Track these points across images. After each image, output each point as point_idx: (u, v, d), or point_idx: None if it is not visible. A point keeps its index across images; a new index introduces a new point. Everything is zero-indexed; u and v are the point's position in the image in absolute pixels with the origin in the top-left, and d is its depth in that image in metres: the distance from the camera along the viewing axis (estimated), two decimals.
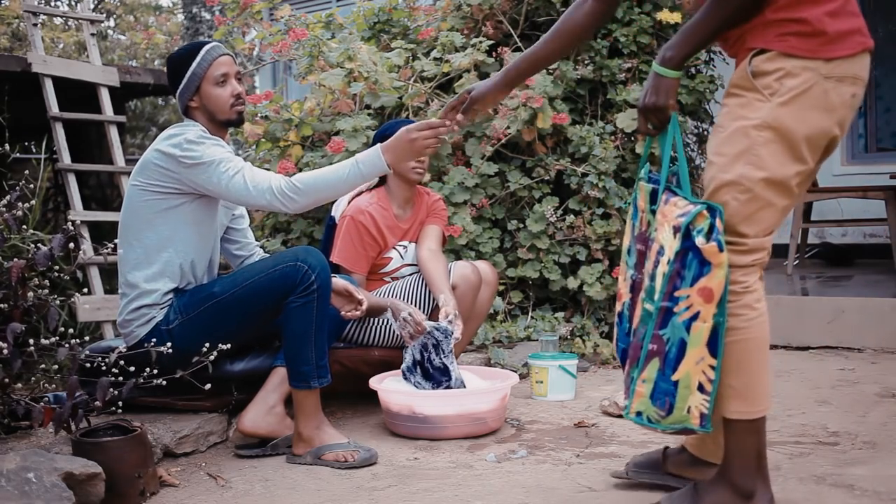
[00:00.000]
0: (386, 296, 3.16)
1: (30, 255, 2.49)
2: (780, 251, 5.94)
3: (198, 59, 2.74)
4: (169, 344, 2.55)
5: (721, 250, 1.86)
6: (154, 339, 2.63)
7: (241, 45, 4.74)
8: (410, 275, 3.25)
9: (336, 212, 3.24)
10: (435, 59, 4.31)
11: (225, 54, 2.78)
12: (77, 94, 5.59)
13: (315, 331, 2.63)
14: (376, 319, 3.12)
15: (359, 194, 3.24)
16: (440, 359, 2.93)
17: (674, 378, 1.89)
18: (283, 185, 2.57)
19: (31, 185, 2.64)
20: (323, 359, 2.67)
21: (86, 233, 4.73)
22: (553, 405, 3.26)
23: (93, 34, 5.36)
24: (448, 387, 2.93)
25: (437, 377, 2.93)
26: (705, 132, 4.80)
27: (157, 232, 2.69)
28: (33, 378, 2.90)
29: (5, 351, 2.34)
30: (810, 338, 4.21)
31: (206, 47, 2.77)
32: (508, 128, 4.05)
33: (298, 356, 2.63)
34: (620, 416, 3.04)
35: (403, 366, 2.98)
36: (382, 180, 3.27)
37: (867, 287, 4.72)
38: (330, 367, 2.72)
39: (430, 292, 3.12)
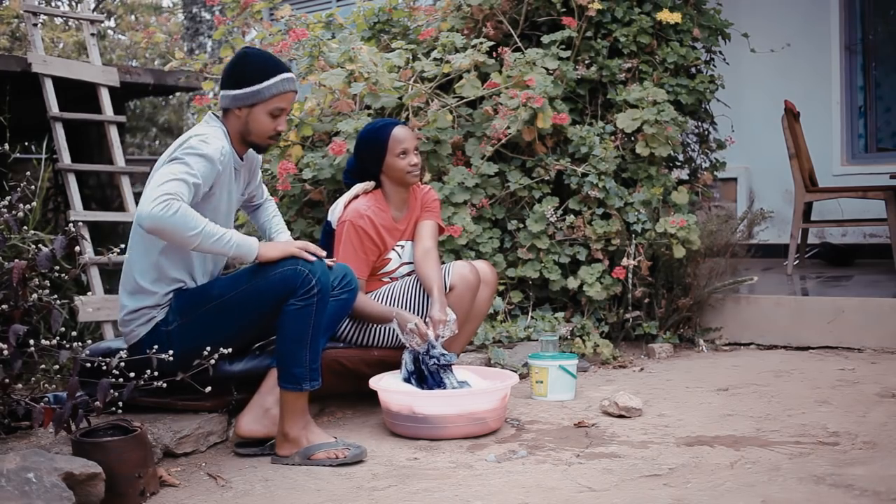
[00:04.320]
0: (385, 296, 3.16)
1: (30, 256, 2.49)
2: (780, 251, 5.95)
3: (271, 81, 2.69)
4: (171, 351, 2.55)
5: None
6: (154, 340, 2.63)
7: (240, 44, 4.74)
8: (408, 274, 3.24)
9: (332, 216, 3.22)
10: (435, 59, 4.31)
11: (294, 91, 2.75)
12: (77, 94, 5.59)
13: (312, 334, 2.63)
14: None
15: (355, 197, 3.22)
16: (437, 368, 2.92)
17: None
18: (170, 203, 2.44)
19: (32, 186, 2.63)
20: (316, 362, 2.66)
21: (86, 233, 4.73)
22: (553, 405, 3.26)
23: (93, 34, 5.36)
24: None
25: (431, 383, 2.93)
26: (706, 132, 4.81)
27: (153, 238, 2.65)
28: (34, 378, 2.90)
29: (6, 352, 2.34)
30: (810, 338, 4.21)
31: (285, 76, 2.71)
32: (508, 128, 4.05)
33: (292, 358, 2.63)
34: (620, 417, 3.05)
35: (401, 375, 2.98)
36: (378, 183, 3.24)
37: (867, 287, 4.72)
38: (329, 366, 2.72)
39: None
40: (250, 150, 2.86)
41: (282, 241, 3.01)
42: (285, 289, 2.58)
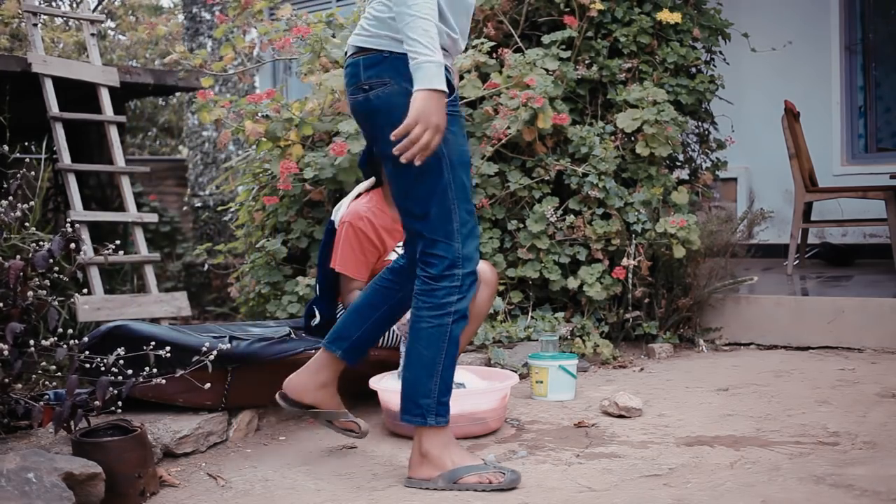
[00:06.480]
0: None
1: (29, 256, 2.49)
2: (780, 251, 5.95)
3: None
4: (167, 348, 2.54)
5: None
6: (368, 75, 2.33)
7: (241, 44, 4.74)
8: None
9: (336, 216, 3.21)
10: None
11: None
12: (77, 94, 5.60)
13: (444, 360, 2.34)
14: None
15: (357, 196, 3.22)
16: None
17: None
18: None
19: (31, 174, 2.63)
20: (446, 394, 2.37)
21: (86, 233, 4.74)
22: (553, 405, 3.26)
23: (93, 34, 5.36)
24: None
25: None
26: (706, 132, 4.81)
27: None
28: (33, 377, 2.90)
29: (5, 351, 2.34)
30: (810, 338, 4.21)
31: None
32: (509, 128, 4.05)
33: (419, 386, 2.35)
34: (620, 416, 3.04)
35: (400, 369, 2.97)
36: (379, 182, 3.22)
37: (867, 287, 4.72)
38: None
39: None
40: None
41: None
42: (432, 262, 2.33)
